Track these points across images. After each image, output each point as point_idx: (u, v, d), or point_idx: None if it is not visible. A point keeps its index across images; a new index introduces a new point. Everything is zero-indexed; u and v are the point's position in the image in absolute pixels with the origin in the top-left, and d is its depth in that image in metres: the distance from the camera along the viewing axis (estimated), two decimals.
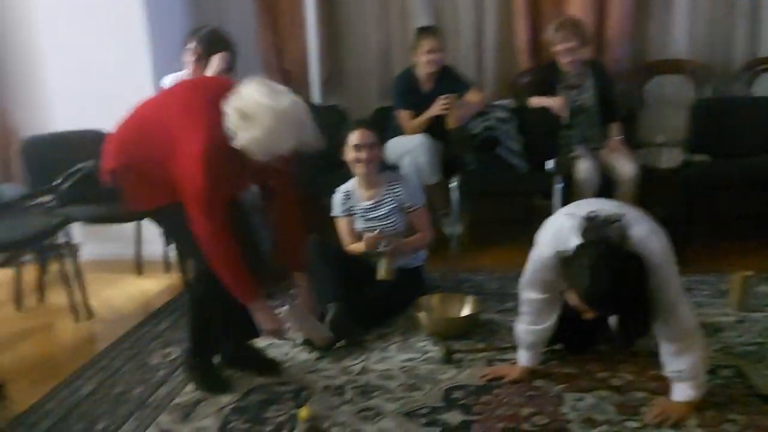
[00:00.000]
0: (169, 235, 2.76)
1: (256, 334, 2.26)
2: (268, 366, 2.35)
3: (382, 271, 2.64)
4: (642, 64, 3.82)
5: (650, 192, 3.29)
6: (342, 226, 2.88)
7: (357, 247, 2.82)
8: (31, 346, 2.71)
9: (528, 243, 2.04)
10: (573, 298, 1.79)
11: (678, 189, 3.28)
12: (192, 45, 2.95)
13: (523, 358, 2.18)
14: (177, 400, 2.16)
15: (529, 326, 2.12)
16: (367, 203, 2.82)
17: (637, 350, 2.25)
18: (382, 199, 2.80)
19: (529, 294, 2.07)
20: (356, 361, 2.37)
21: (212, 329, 2.28)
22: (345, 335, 2.48)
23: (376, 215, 2.80)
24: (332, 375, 2.28)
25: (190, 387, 2.23)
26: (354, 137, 2.74)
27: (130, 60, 3.47)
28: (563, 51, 3.38)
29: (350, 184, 2.88)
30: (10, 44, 3.71)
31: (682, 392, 1.91)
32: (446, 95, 3.36)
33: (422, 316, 2.57)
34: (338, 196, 2.88)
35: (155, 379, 2.32)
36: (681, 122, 3.48)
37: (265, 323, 2.15)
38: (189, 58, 2.97)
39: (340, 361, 2.38)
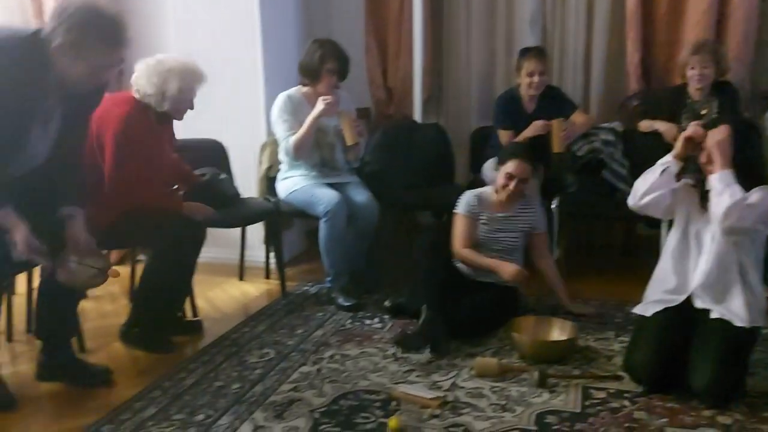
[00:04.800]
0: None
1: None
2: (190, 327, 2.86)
3: None
4: (760, 91, 3.60)
5: None
6: (461, 224, 2.86)
7: (466, 254, 2.81)
8: None
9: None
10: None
11: None
12: (332, 64, 3.11)
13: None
14: (272, 398, 2.23)
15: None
16: (498, 215, 2.82)
17: (750, 389, 2.11)
18: (514, 218, 2.80)
19: None
20: (446, 377, 2.36)
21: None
22: (433, 343, 2.49)
23: (502, 229, 2.81)
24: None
25: (284, 386, 2.31)
26: (511, 166, 2.76)
27: (245, 75, 3.66)
28: (697, 76, 3.21)
29: (485, 189, 2.91)
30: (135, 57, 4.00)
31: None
32: (544, 121, 3.32)
33: (517, 337, 2.53)
34: (469, 196, 2.88)
35: (252, 377, 2.40)
36: None
37: None
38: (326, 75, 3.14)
39: (429, 376, 2.37)
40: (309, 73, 3.18)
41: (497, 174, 3.31)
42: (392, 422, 2.01)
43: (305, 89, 3.24)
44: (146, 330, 2.69)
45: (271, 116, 3.22)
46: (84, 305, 2.72)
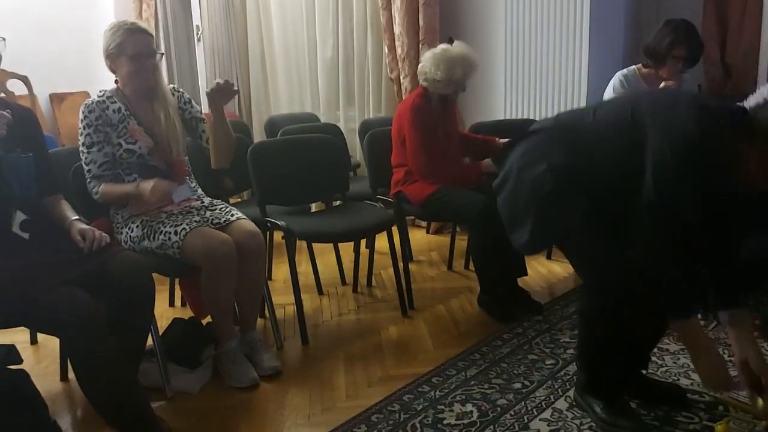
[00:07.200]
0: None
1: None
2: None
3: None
4: None
5: None
6: None
7: None
8: (458, 302, 3.12)
9: None
10: None
11: None
12: (681, 50, 2.94)
13: None
14: None
15: None
16: None
17: None
18: None
19: None
20: None
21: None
22: None
23: None
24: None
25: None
26: None
27: (570, 56, 3.63)
28: None
29: None
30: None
31: None
32: None
33: None
34: None
35: (565, 356, 2.46)
36: None
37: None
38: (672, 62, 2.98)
39: None
40: (654, 57, 3.01)
41: None
42: (720, 427, 1.89)
43: (645, 70, 3.10)
44: (491, 299, 2.95)
45: (605, 95, 3.17)
46: (411, 268, 3.18)
